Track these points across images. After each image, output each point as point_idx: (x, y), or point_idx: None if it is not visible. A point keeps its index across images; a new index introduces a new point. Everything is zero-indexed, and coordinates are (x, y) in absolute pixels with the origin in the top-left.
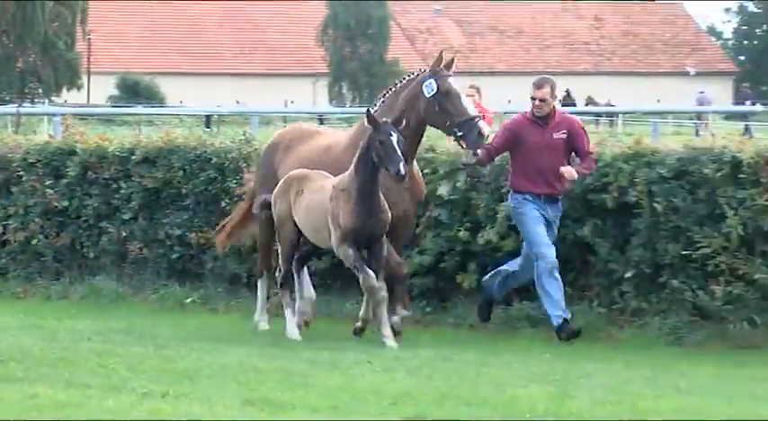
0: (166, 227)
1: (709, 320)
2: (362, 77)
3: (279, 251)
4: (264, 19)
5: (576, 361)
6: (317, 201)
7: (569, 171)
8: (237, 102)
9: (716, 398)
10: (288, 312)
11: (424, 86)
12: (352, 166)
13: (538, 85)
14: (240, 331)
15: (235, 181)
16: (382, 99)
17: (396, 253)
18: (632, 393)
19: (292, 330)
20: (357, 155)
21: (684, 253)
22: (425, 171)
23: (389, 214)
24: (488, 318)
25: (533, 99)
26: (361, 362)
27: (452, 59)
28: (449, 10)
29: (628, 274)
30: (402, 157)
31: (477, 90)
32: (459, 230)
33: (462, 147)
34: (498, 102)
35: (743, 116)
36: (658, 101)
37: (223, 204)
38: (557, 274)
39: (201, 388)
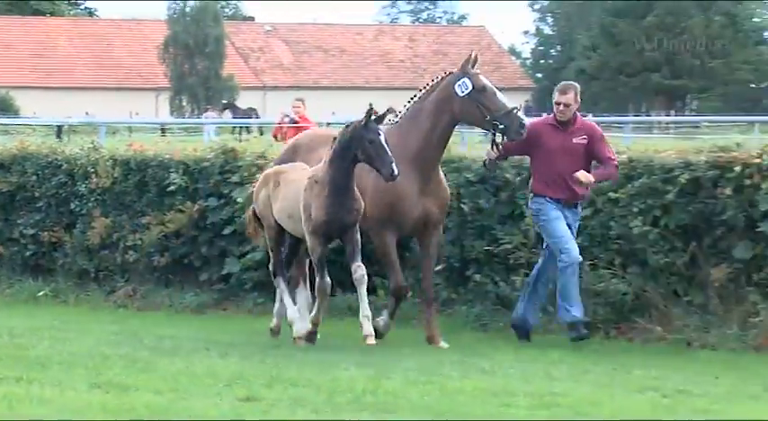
0: (21, 226)
1: (510, 309)
2: (201, 91)
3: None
4: (112, 38)
5: (393, 346)
6: (293, 191)
7: (585, 175)
8: (87, 113)
9: (516, 379)
10: (285, 297)
11: (456, 86)
12: (326, 158)
13: (562, 91)
14: (89, 321)
15: (84, 185)
16: (406, 106)
17: (430, 271)
18: (442, 374)
19: (292, 314)
20: (333, 148)
21: (488, 249)
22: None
23: (362, 203)
24: (529, 338)
25: (558, 104)
26: (200, 348)
27: (476, 57)
28: (278, 31)
29: (438, 268)
30: (391, 157)
31: (302, 102)
32: None
33: (496, 144)
34: (323, 113)
35: None
36: None
37: (72, 206)
38: (577, 271)
39: (53, 373)
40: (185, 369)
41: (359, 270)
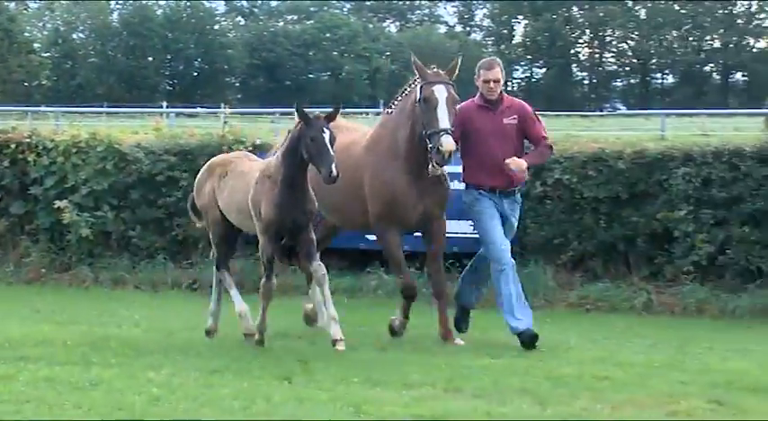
0: None
1: None
2: None
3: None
4: None
5: None
6: (243, 184)
7: (516, 161)
8: None
9: None
10: (232, 292)
11: (417, 91)
12: (279, 154)
13: (488, 66)
14: None
15: None
16: (397, 100)
17: (438, 262)
18: None
19: (240, 308)
20: (285, 145)
21: None
22: None
23: (316, 204)
24: (466, 329)
25: (485, 82)
26: None
27: (455, 65)
28: None
29: None
30: (333, 157)
31: None
32: None
33: (434, 164)
34: None
35: None
36: None
37: None
38: (513, 276)
39: None
40: None
41: (319, 269)
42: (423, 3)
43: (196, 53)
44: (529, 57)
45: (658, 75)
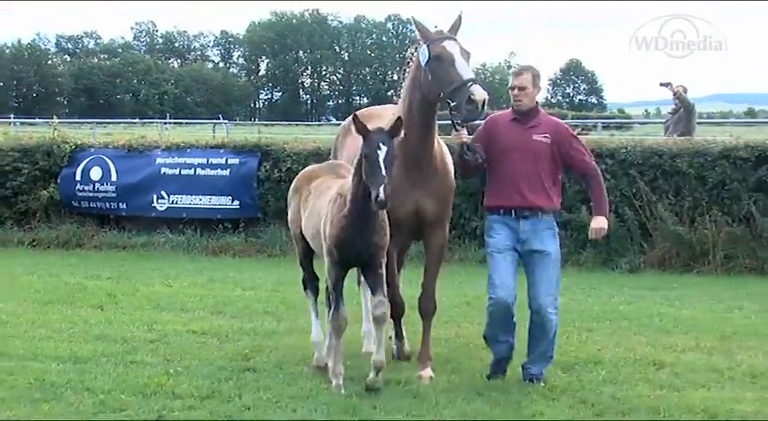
0: None
1: None
2: None
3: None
4: None
5: None
6: (321, 206)
7: (598, 229)
8: None
9: None
10: (312, 317)
11: (420, 56)
12: (352, 171)
13: (517, 72)
14: None
15: None
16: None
17: (430, 277)
18: None
19: (316, 336)
20: (356, 160)
21: None
22: None
23: (385, 235)
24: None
25: (511, 88)
26: None
27: (458, 19)
28: None
29: None
30: (384, 178)
31: None
32: None
33: (456, 125)
34: None
35: None
36: None
37: None
38: (506, 319)
39: None
40: None
41: (379, 306)
42: (196, 46)
43: (35, 80)
44: (270, 84)
45: (357, 97)
